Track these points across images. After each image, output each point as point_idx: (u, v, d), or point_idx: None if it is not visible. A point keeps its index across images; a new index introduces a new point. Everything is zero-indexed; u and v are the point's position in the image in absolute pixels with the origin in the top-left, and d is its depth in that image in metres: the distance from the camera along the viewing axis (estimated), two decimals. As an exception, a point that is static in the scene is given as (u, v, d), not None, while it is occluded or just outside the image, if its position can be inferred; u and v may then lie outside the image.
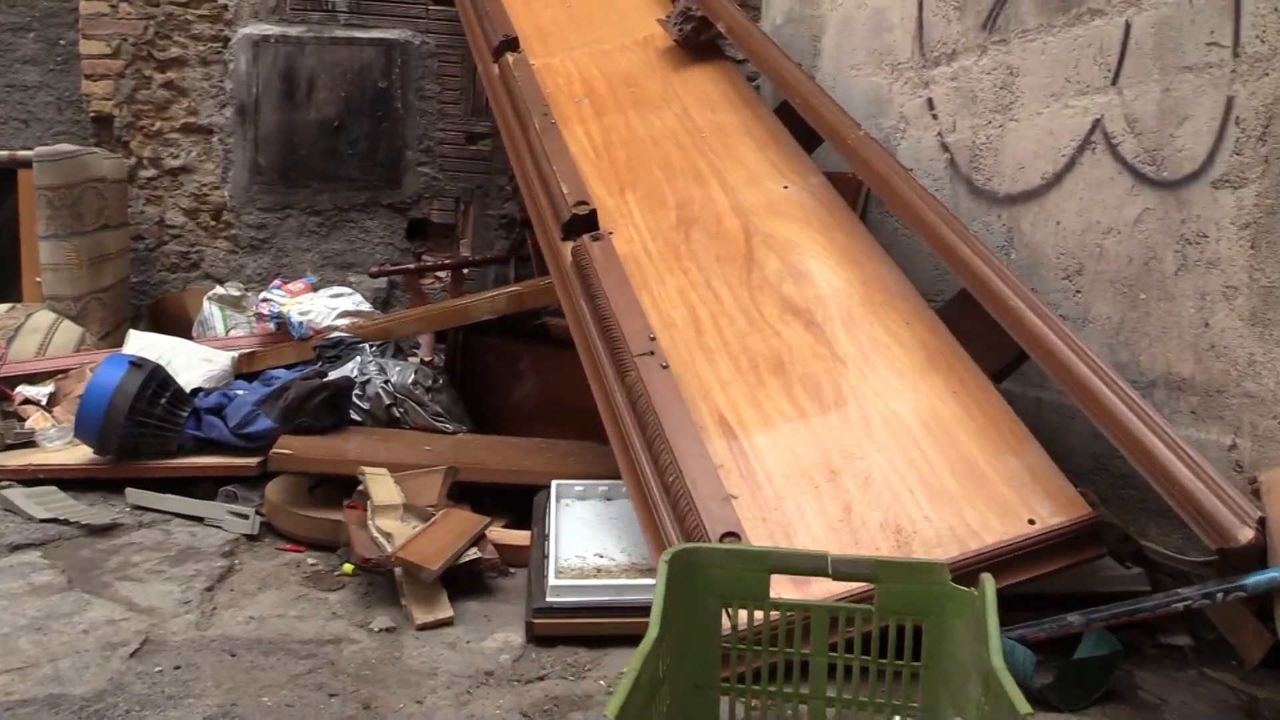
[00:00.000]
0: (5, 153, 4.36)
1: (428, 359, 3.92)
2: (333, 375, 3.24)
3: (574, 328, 2.81)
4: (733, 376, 2.50)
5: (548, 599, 2.19)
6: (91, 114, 4.84)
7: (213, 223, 4.92)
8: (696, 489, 2.14)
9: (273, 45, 4.82)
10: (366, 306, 3.86)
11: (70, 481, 3.00)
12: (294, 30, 4.84)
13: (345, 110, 4.88)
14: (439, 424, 3.24)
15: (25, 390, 3.62)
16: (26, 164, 4.32)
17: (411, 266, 4.78)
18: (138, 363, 2.99)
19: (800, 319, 2.65)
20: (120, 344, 4.30)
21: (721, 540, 2.01)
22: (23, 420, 3.42)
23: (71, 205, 3.93)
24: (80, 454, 3.05)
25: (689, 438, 2.27)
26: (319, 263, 4.96)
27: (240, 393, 3.13)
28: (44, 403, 3.58)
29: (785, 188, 3.13)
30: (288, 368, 3.57)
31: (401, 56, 4.89)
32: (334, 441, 2.96)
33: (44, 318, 3.96)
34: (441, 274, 5.02)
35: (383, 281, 4.96)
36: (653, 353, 2.49)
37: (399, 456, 2.85)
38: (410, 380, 3.26)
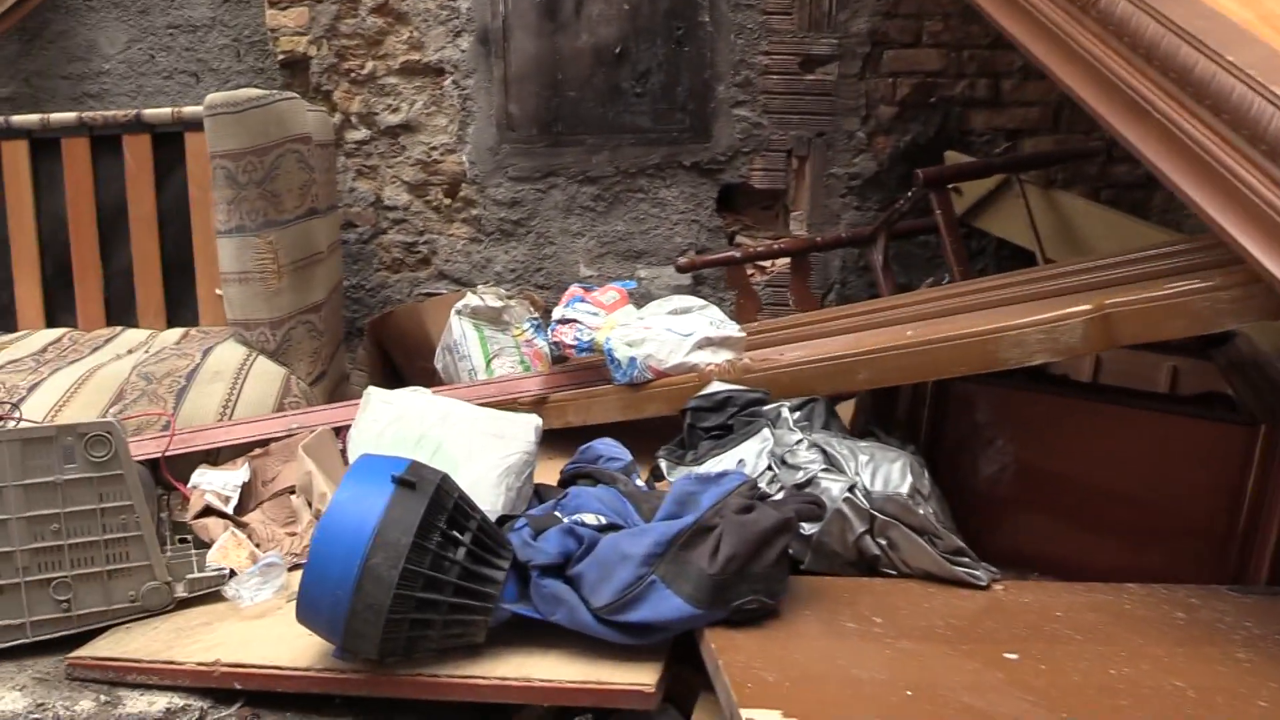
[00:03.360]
0: (165, 110, 3.01)
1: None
2: (746, 470, 1.72)
3: None
4: None
5: None
6: (280, 56, 3.46)
7: (447, 201, 3.49)
8: None
9: (526, -59, 3.34)
10: (734, 329, 2.32)
11: (290, 698, 1.58)
12: (555, -83, 3.35)
13: (630, 30, 3.36)
14: (960, 569, 1.67)
15: (205, 482, 2.24)
16: (197, 124, 2.95)
17: (738, 255, 3.23)
18: (408, 479, 1.52)
19: None
20: (339, 393, 2.91)
21: None
22: (204, 544, 2.03)
23: (263, 180, 2.53)
24: (303, 639, 1.61)
25: None
26: (595, 251, 3.47)
27: (590, 520, 1.62)
28: (232, 504, 2.19)
29: None
30: (611, 430, 2.09)
31: (707, -53, 3.34)
32: (812, 641, 1.43)
33: (229, 355, 2.59)
34: (765, 264, 3.46)
35: (684, 277, 3.44)
36: None
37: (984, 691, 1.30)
38: (903, 487, 1.70)
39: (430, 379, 3.12)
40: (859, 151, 3.42)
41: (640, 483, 1.93)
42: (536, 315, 3.02)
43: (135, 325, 3.05)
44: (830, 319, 2.56)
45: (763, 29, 3.36)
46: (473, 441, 1.98)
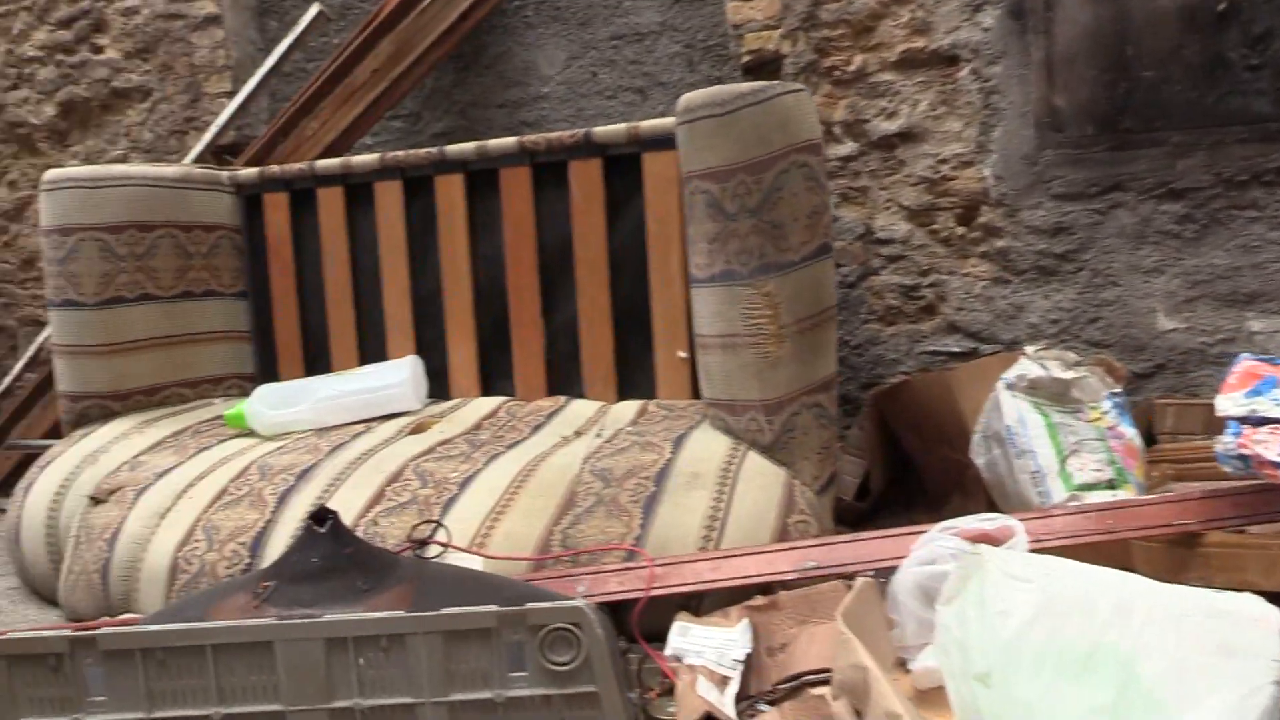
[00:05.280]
0: (620, 127, 2.39)
1: None
2: None
3: None
4: None
5: None
6: (744, 59, 2.77)
7: (960, 230, 2.62)
8: None
9: None
10: None
11: None
12: None
13: (1243, -25, 2.33)
14: None
15: (692, 650, 1.52)
16: (657, 141, 2.31)
17: None
18: None
19: None
20: (846, 498, 2.13)
21: None
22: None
23: (759, 207, 1.80)
24: None
25: None
26: (1180, 294, 2.45)
27: None
28: (732, 691, 1.45)
29: None
30: None
31: None
32: None
33: (709, 448, 1.88)
34: None
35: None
36: None
37: None
38: None
39: (954, 475, 2.26)
40: None
41: None
42: (1118, 390, 2.07)
43: (581, 395, 2.46)
44: None
45: None
46: (1185, 661, 1.08)
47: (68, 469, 2.29)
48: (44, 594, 2.24)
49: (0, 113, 3.93)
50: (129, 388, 2.57)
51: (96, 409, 2.55)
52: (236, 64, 3.54)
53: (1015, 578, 1.18)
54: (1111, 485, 1.92)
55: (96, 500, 2.13)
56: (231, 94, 3.42)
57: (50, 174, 2.59)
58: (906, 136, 2.64)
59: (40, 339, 3.37)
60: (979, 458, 2.09)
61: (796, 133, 1.83)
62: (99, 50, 3.75)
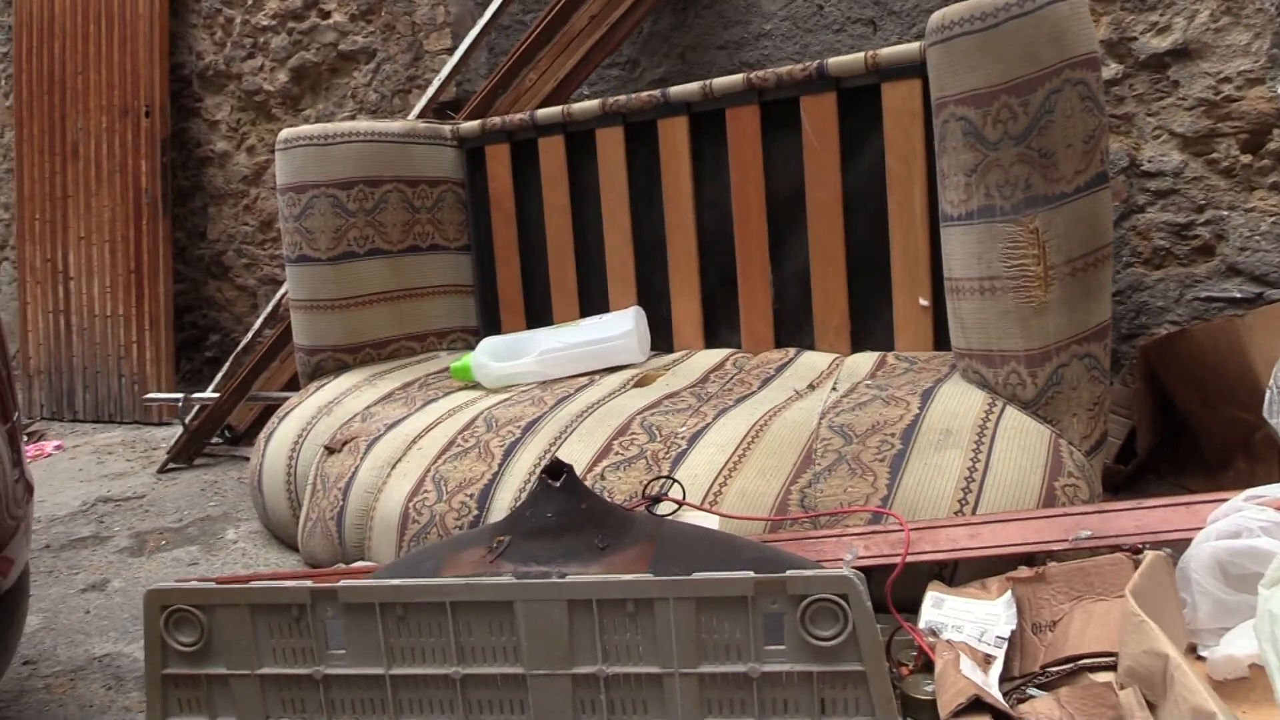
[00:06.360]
0: (857, 57, 2.21)
1: None
2: None
3: None
4: None
5: None
6: (987, -21, 2.51)
7: (1245, 158, 2.30)
8: None
9: None
10: None
11: None
12: None
13: None
14: None
15: (950, 624, 1.37)
16: (898, 69, 2.12)
17: None
18: None
19: None
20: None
21: None
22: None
23: (1026, 134, 1.59)
24: None
25: None
26: None
27: None
28: (995, 671, 1.29)
29: None
30: None
31: None
32: None
33: (962, 403, 1.71)
34: None
35: None
36: None
37: None
38: None
39: (1241, 436, 1.99)
40: None
41: None
42: None
43: (812, 346, 2.31)
44: None
45: None
46: None
47: (304, 419, 2.34)
48: (284, 539, 2.31)
49: (239, 82, 4.11)
50: (360, 340, 2.62)
51: (331, 361, 2.61)
52: (455, 20, 3.55)
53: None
54: None
55: (331, 450, 2.16)
56: (451, 50, 3.43)
57: (285, 133, 2.65)
58: (1181, 54, 2.33)
59: (279, 295, 3.51)
60: (1274, 417, 1.82)
61: (1071, 46, 1.60)
62: (326, 15, 3.85)
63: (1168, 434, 2.21)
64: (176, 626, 1.13)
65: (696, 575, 0.99)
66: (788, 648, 0.98)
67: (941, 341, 2.08)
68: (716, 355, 2.34)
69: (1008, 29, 1.60)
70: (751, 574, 0.98)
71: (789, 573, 0.96)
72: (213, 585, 1.15)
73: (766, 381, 2.10)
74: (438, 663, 1.07)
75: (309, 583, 1.09)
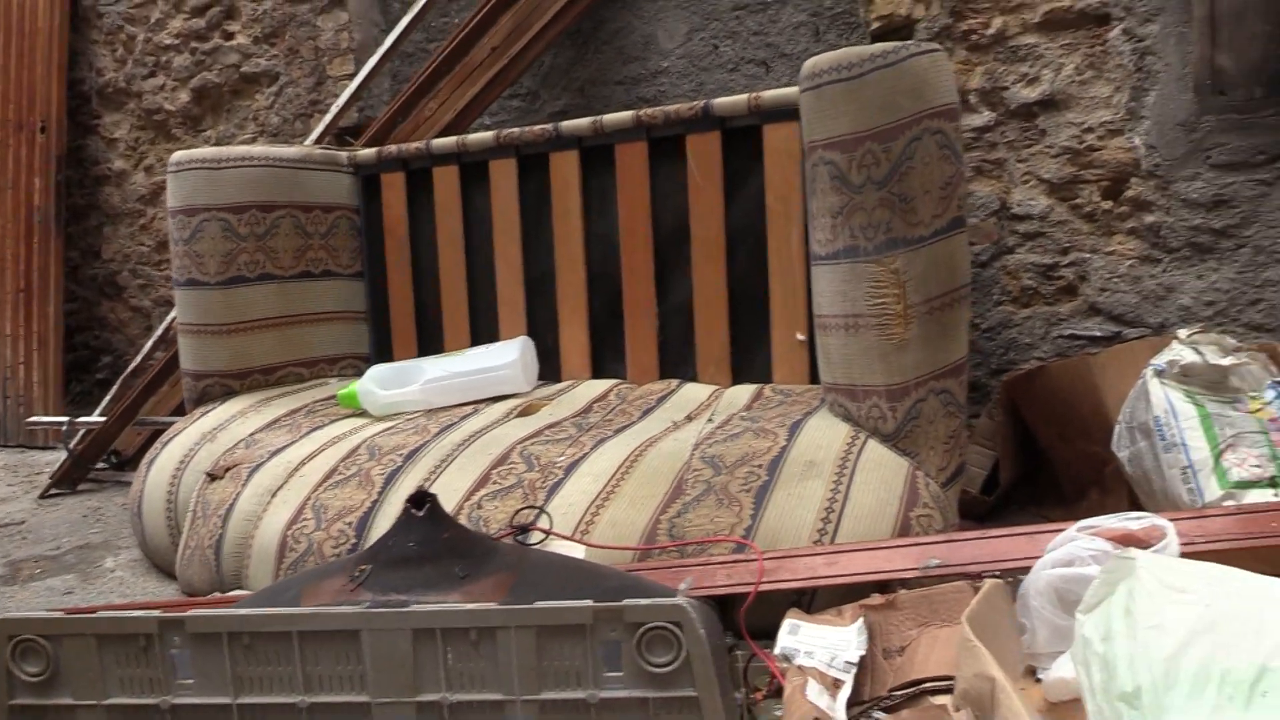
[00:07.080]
0: (740, 99, 2.28)
1: None
2: None
3: None
4: None
5: None
6: (873, 25, 2.63)
7: (1106, 204, 2.43)
8: None
9: None
10: None
11: None
12: None
13: None
14: None
15: (801, 649, 1.42)
16: (778, 112, 2.20)
17: None
18: None
19: None
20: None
21: None
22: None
23: (888, 179, 1.67)
24: None
25: None
26: (1357, 276, 2.22)
27: None
28: (844, 695, 1.35)
29: None
30: None
31: None
32: None
33: (826, 435, 1.77)
34: None
35: None
36: None
37: None
38: None
39: (1093, 469, 2.10)
40: None
41: None
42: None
43: (695, 378, 2.37)
44: None
45: None
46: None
47: (187, 446, 2.32)
48: (163, 568, 2.28)
49: (139, 100, 4.06)
50: (248, 366, 2.60)
51: (217, 387, 2.59)
52: (360, 46, 3.56)
53: (1172, 587, 1.04)
54: (1273, 483, 1.74)
55: (213, 477, 2.15)
56: (354, 76, 3.44)
57: (176, 156, 2.63)
58: (1048, 104, 2.46)
59: (170, 318, 3.46)
60: (1122, 451, 1.92)
61: (930, 97, 1.69)
62: (230, 37, 3.83)
63: (1029, 466, 2.31)
64: (23, 656, 1.13)
65: (537, 604, 1.03)
66: (625, 674, 1.01)
67: (816, 375, 2.15)
68: (601, 385, 2.38)
69: (872, 79, 1.68)
70: (590, 603, 1.01)
71: (625, 601, 1.00)
72: (60, 615, 1.14)
73: (647, 412, 2.15)
74: (285, 692, 1.09)
75: (156, 612, 1.10)
